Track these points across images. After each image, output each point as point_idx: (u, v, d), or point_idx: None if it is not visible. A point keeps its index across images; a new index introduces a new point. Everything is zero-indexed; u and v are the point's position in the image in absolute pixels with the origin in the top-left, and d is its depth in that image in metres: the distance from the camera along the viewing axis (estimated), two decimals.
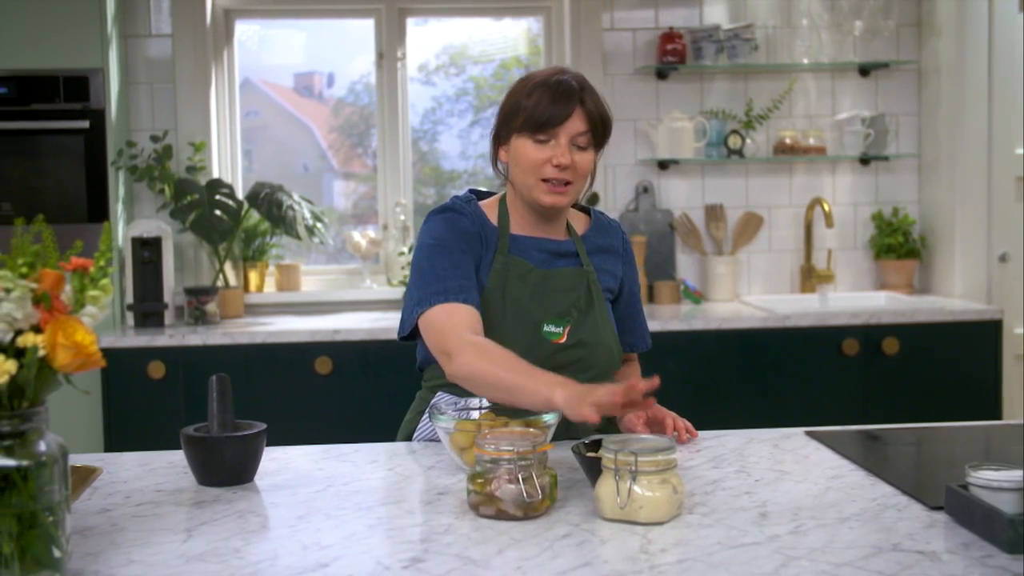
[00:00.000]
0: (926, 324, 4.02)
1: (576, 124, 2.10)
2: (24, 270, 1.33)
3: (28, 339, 1.32)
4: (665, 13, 4.56)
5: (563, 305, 2.18)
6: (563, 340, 2.14)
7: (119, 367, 3.78)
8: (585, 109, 2.11)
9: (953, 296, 4.41)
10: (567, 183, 2.12)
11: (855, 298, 4.55)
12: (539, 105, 2.08)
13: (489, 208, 2.24)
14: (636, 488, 1.57)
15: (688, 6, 4.57)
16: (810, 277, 4.60)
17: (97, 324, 4.12)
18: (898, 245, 4.58)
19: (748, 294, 4.64)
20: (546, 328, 2.14)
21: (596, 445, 1.82)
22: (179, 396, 3.78)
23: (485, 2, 4.70)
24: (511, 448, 1.63)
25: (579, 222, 2.33)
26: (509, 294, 2.14)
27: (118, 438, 3.78)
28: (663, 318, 3.99)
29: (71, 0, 3.95)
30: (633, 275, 2.36)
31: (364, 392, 3.81)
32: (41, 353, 1.33)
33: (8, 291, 1.32)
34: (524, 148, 2.12)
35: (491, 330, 2.07)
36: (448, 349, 1.99)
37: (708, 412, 3.88)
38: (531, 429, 1.75)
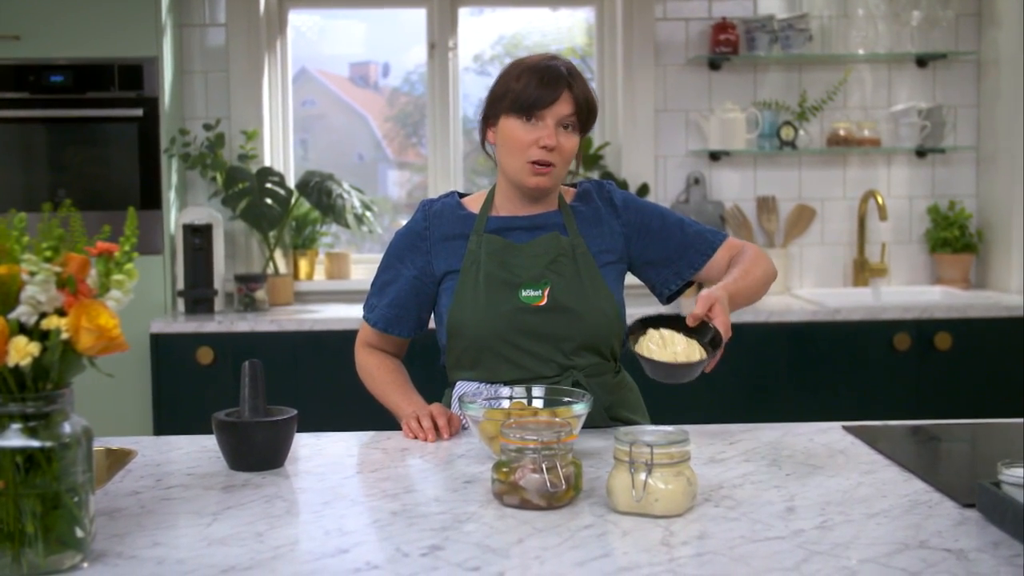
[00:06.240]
0: (979, 319, 3.95)
1: (563, 107, 2.15)
2: (48, 254, 1.35)
3: (52, 322, 1.34)
4: (718, 3, 4.51)
5: (536, 268, 2.21)
6: (543, 302, 2.19)
7: (168, 352, 3.84)
8: (572, 93, 2.17)
9: (1010, 291, 4.32)
10: (551, 165, 2.17)
11: (908, 292, 4.48)
12: (528, 87, 2.15)
13: (475, 199, 2.32)
14: (652, 481, 1.56)
15: None
16: (863, 271, 4.54)
17: (148, 309, 4.13)
18: (954, 239, 4.50)
19: (799, 287, 4.59)
20: (524, 293, 2.19)
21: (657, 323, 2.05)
22: (227, 381, 3.80)
23: None
24: (535, 438, 1.63)
25: (570, 198, 2.34)
26: (483, 269, 2.21)
27: (167, 422, 3.84)
28: None
29: None
30: (641, 216, 2.30)
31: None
32: (64, 336, 1.34)
33: (33, 274, 1.33)
34: (512, 128, 2.18)
35: (471, 305, 2.19)
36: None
37: (757, 406, 3.88)
38: (558, 419, 1.75)
